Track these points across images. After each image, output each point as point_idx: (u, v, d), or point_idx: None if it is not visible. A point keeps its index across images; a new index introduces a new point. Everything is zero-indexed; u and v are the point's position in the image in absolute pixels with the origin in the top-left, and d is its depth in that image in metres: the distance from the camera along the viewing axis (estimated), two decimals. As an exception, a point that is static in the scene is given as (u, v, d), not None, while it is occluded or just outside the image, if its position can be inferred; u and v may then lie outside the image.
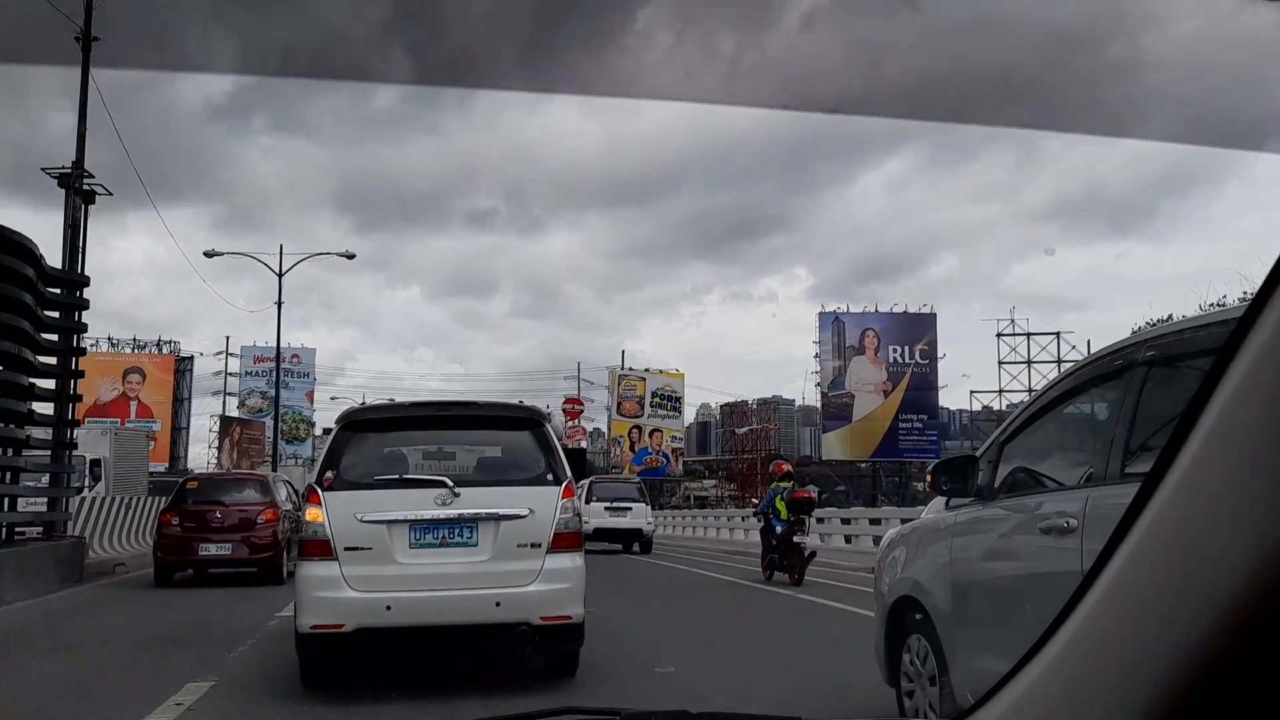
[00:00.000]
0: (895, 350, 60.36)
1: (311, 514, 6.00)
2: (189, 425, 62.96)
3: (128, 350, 60.89)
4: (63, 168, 15.02)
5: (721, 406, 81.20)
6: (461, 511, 6.01)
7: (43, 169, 15.16)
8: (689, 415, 76.01)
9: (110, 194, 15.78)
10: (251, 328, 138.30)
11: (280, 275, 33.08)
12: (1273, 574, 0.69)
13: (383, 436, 6.59)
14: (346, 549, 5.89)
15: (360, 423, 6.59)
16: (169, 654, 7.88)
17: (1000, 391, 58.21)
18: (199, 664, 7.01)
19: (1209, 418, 0.77)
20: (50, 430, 14.66)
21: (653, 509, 46.60)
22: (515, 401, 7.80)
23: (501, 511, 6.05)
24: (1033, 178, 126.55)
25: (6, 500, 13.57)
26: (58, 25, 14.10)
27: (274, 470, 33.37)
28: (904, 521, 7.12)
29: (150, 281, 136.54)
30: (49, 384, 14.48)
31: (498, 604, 5.95)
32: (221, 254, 32.64)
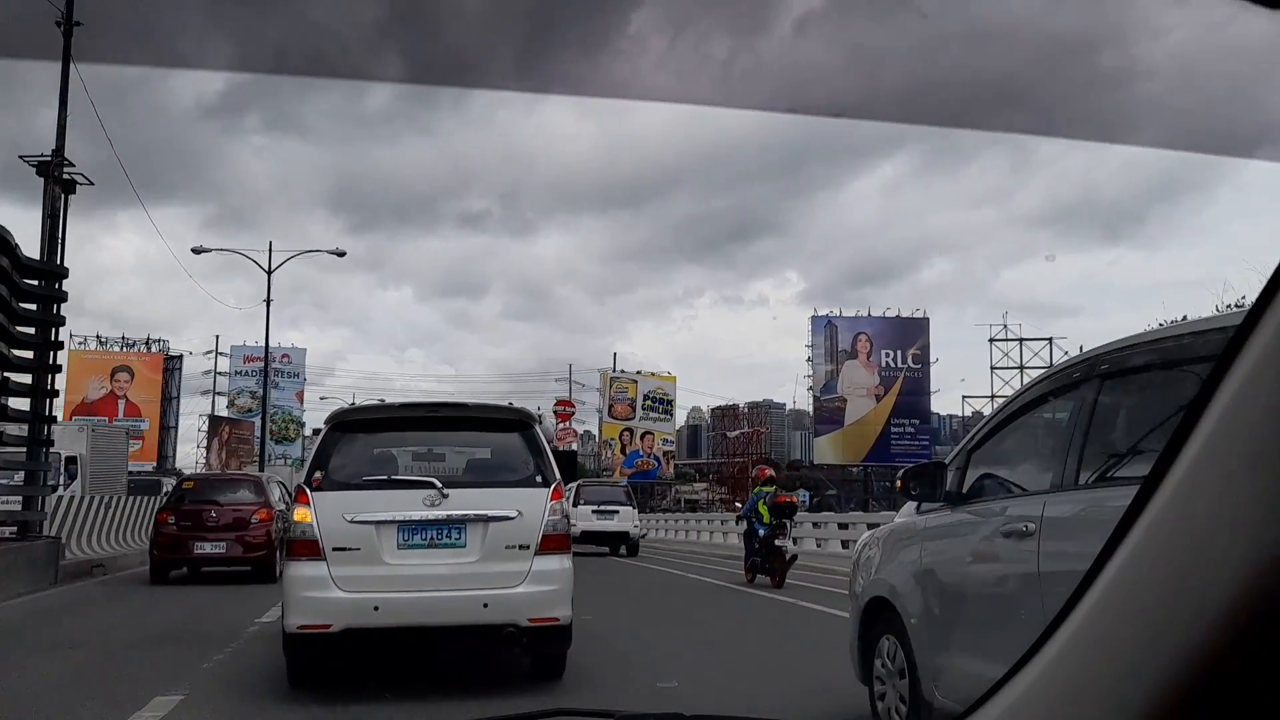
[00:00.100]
0: (888, 355, 60.32)
1: (300, 514, 5.99)
2: (177, 425, 62.78)
3: (116, 348, 60.57)
4: (41, 155, 14.74)
5: (712, 410, 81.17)
6: (450, 512, 6.01)
7: (20, 157, 14.88)
8: (679, 419, 75.89)
9: (91, 183, 15.51)
10: (242, 327, 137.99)
11: (269, 272, 32.80)
12: (1272, 576, 0.69)
13: (372, 437, 6.59)
14: (335, 549, 5.89)
15: (349, 423, 6.57)
16: (151, 655, 7.81)
17: (993, 397, 58.16)
18: (180, 666, 6.96)
19: (1209, 419, 0.77)
20: (26, 426, 14.39)
21: (644, 512, 46.69)
22: (505, 403, 7.85)
23: (490, 513, 6.05)
24: (1026, 184, 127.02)
25: (-21, 498, 13.37)
26: (46, 18, 13.92)
27: (261, 470, 33.16)
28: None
29: (141, 280, 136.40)
30: (25, 378, 14.21)
31: (485, 605, 5.96)
32: (209, 250, 32.32)
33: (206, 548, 13.89)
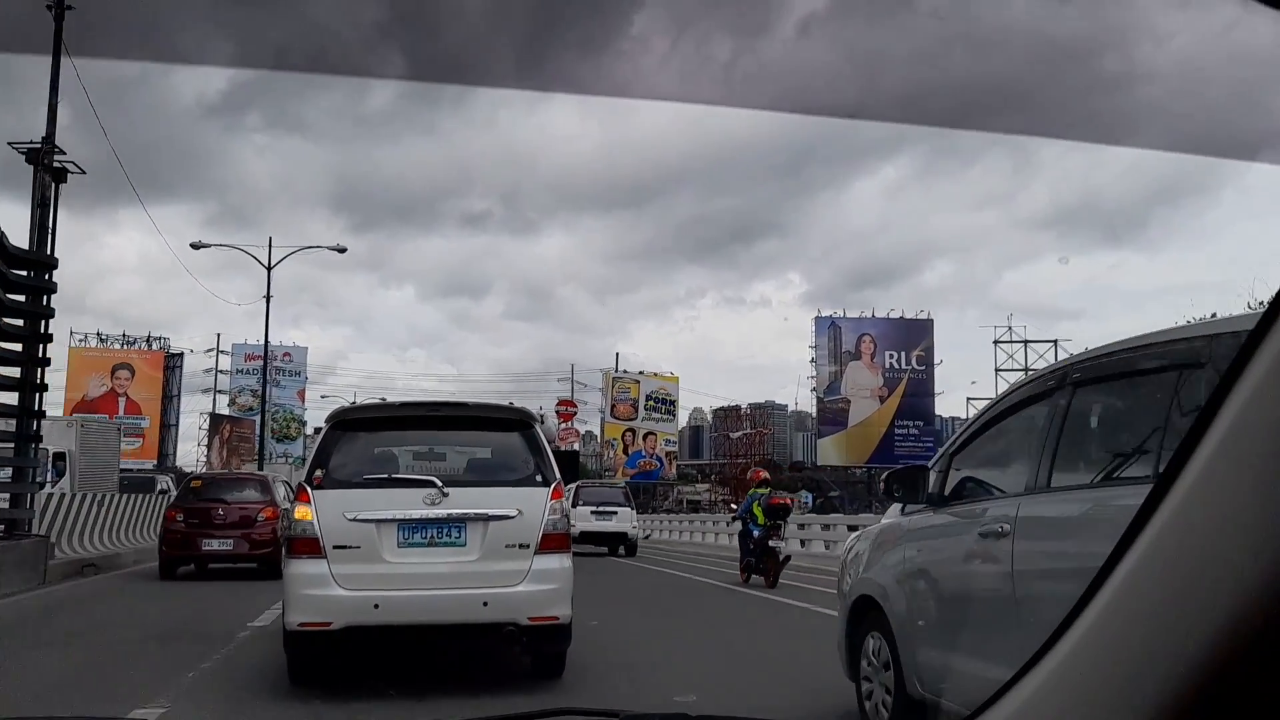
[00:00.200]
0: (892, 356, 60.12)
1: (300, 512, 6.03)
2: (178, 423, 62.58)
3: (117, 346, 60.40)
4: (31, 143, 14.45)
5: (714, 411, 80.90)
6: (450, 511, 6.03)
7: (10, 144, 14.58)
8: (681, 419, 75.64)
9: (83, 172, 15.21)
10: (243, 325, 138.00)
11: (269, 268, 32.55)
12: (1277, 583, 0.69)
13: (372, 436, 6.62)
14: (335, 547, 5.91)
15: (350, 422, 6.59)
16: (153, 651, 7.85)
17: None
18: (182, 661, 6.99)
19: (1220, 425, 0.76)
20: (13, 422, 14.10)
21: (646, 513, 46.55)
22: (506, 403, 7.86)
23: (490, 512, 6.08)
24: (1028, 187, 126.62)
25: (-36, 497, 13.12)
26: (41, 8, 13.66)
27: (260, 469, 32.91)
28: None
29: (143, 279, 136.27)
30: (13, 372, 13.93)
31: (485, 604, 5.97)
32: (208, 246, 32.04)
33: (214, 545, 14.26)
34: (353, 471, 6.24)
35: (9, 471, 14.19)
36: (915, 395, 59.04)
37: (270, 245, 32.50)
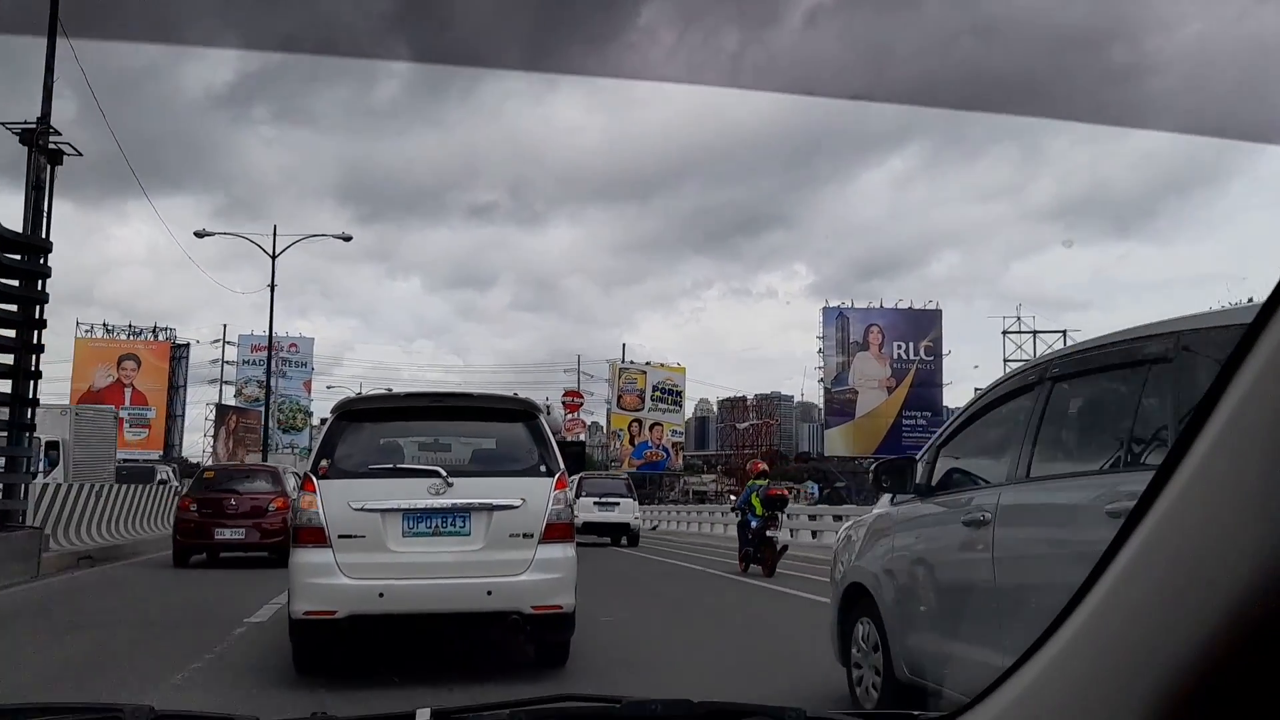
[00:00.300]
0: (900, 346, 59.86)
1: (306, 501, 6.09)
2: (184, 413, 62.62)
3: (123, 337, 60.43)
4: (25, 123, 14.19)
5: (720, 402, 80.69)
6: (455, 501, 6.08)
7: (3, 124, 14.31)
8: (687, 410, 75.43)
9: (79, 154, 14.92)
10: (250, 316, 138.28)
11: (274, 257, 32.38)
12: (1278, 575, 0.69)
13: (378, 426, 6.66)
14: (340, 536, 5.96)
15: (355, 412, 6.64)
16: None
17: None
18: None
19: (1218, 418, 0.76)
20: (7, 409, 13.91)
21: (652, 504, 46.41)
22: (510, 393, 7.87)
23: (494, 501, 6.12)
24: (1036, 177, 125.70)
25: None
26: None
27: (264, 459, 32.82)
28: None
29: (151, 270, 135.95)
30: (6, 358, 13.73)
31: (489, 593, 6.02)
32: (213, 234, 31.99)
33: (226, 534, 14.66)
34: (358, 461, 6.28)
35: (1, 461, 14.00)
36: (923, 386, 58.76)
37: (275, 234, 32.36)
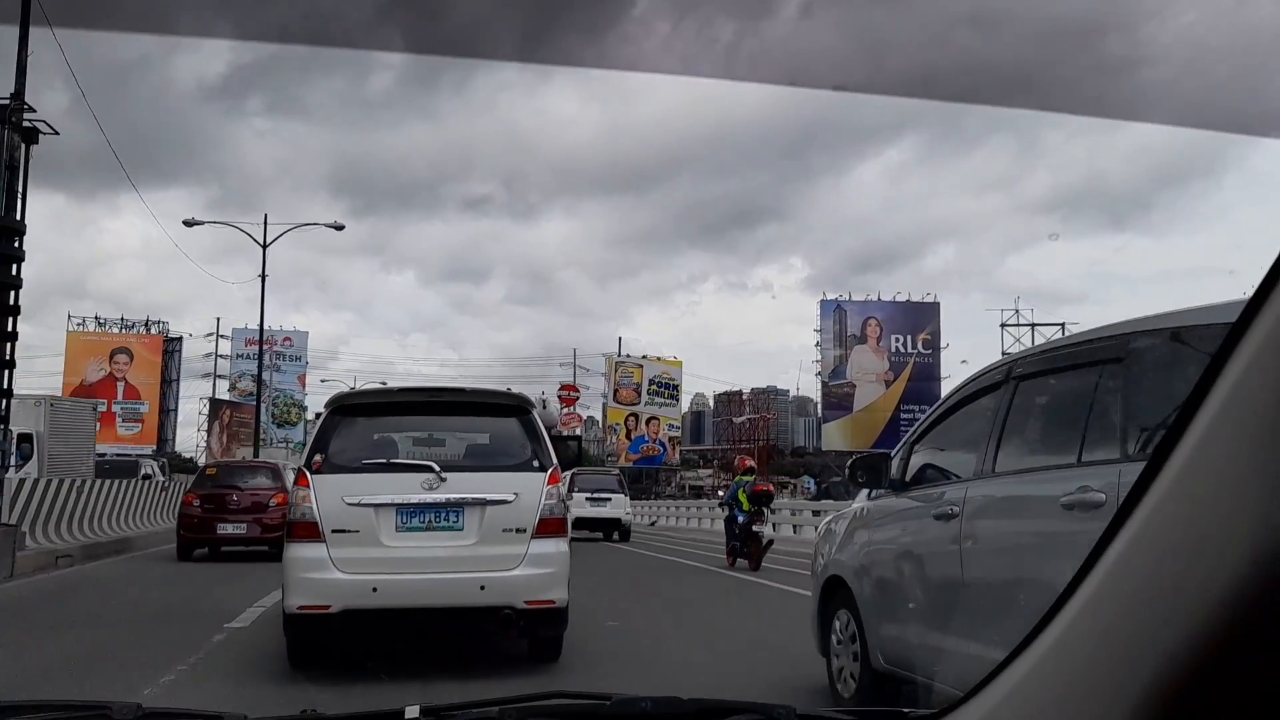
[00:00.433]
0: (898, 340, 59.55)
1: (300, 496, 6.13)
2: (177, 407, 62.31)
3: (115, 330, 60.03)
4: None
5: (716, 396, 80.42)
6: (448, 496, 6.11)
7: None
8: (683, 404, 75.19)
9: (56, 133, 14.49)
10: (244, 310, 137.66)
11: (264, 246, 31.94)
12: (1271, 568, 0.68)
13: (371, 421, 6.70)
14: (334, 531, 5.98)
15: (349, 407, 6.67)
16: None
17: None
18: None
19: (1209, 408, 0.76)
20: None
21: (648, 498, 46.10)
22: (503, 388, 7.90)
23: (487, 496, 6.15)
24: (1032, 170, 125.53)
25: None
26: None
27: (256, 455, 32.43)
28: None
29: (145, 264, 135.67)
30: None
31: (482, 587, 6.04)
32: (202, 223, 31.71)
33: (228, 529, 15.08)
34: (352, 456, 6.30)
35: (-27, 455, 13.63)
36: (921, 380, 58.42)
37: (265, 223, 31.94)
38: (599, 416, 70.41)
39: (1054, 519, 3.45)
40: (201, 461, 54.76)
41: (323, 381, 57.81)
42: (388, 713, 1.57)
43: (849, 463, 5.38)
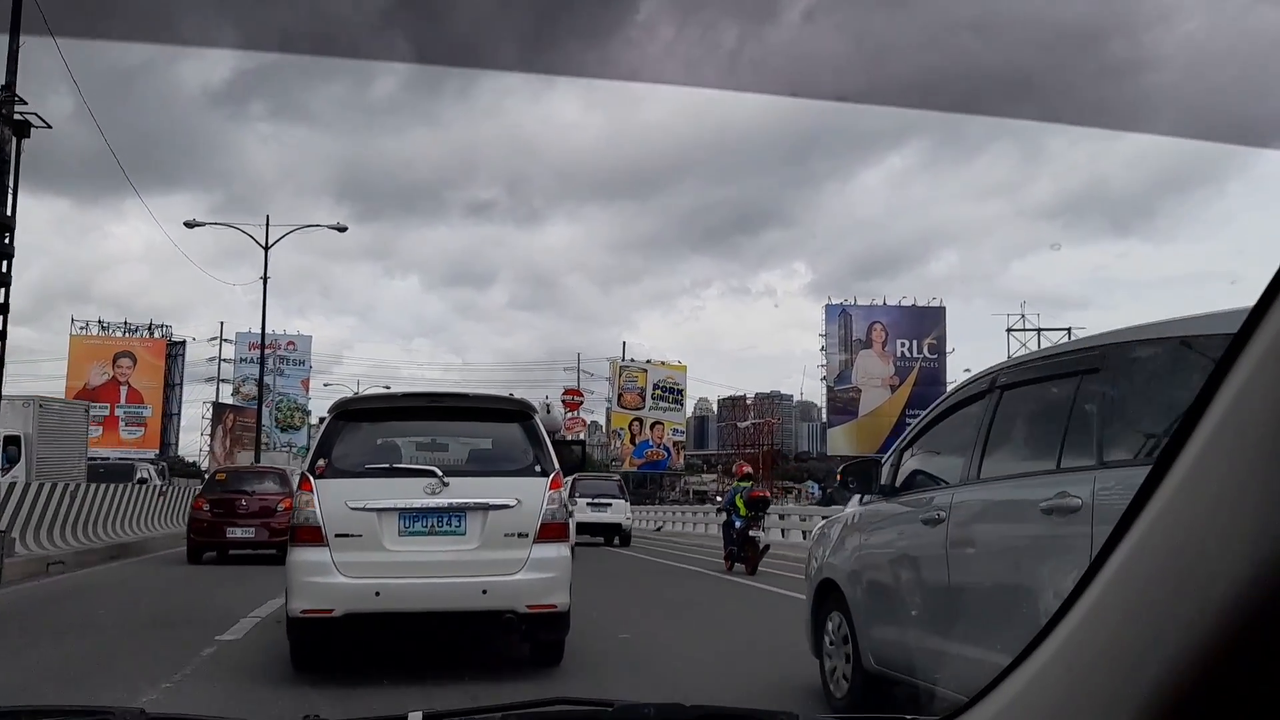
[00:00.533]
0: (903, 344, 59.29)
1: (303, 501, 6.17)
2: (180, 411, 62.22)
3: (119, 334, 59.96)
4: None
5: (721, 401, 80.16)
6: (450, 501, 6.16)
7: None
8: (687, 409, 74.90)
9: (48, 126, 14.33)
10: (248, 314, 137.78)
11: (266, 248, 31.81)
12: (1272, 577, 0.68)
13: (375, 426, 6.75)
14: (337, 535, 6.03)
15: (353, 412, 6.73)
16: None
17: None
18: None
19: (1212, 416, 0.76)
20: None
21: (652, 503, 45.88)
22: (506, 394, 7.97)
23: (489, 501, 6.19)
24: (1035, 176, 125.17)
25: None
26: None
27: (257, 460, 32.21)
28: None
29: (149, 268, 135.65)
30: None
31: (484, 592, 6.09)
32: (203, 224, 31.64)
33: (237, 533, 15.44)
34: (355, 461, 6.35)
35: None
36: (927, 384, 58.10)
37: (267, 224, 31.83)
38: (603, 421, 70.20)
39: (1035, 523, 3.59)
40: (204, 466, 54.70)
41: (326, 386, 57.88)
42: (390, 718, 1.58)
43: (840, 468, 5.48)
